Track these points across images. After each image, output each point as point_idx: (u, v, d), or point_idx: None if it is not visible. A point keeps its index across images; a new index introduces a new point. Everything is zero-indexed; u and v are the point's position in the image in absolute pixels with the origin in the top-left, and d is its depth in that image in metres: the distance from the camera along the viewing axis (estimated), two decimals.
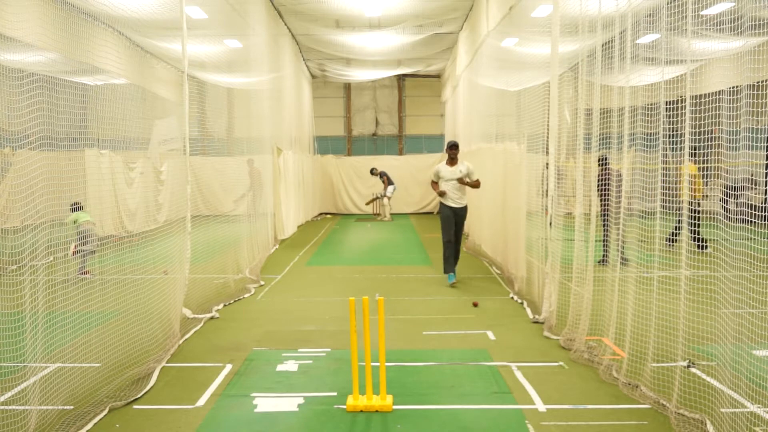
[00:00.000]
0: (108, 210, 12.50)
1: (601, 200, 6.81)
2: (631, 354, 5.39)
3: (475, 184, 9.80)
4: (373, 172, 22.13)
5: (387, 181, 21.48)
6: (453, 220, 9.77)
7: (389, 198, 21.57)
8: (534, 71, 8.81)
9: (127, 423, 4.70)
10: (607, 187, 6.29)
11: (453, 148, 9.83)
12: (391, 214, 22.09)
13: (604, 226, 8.55)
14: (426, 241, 15.62)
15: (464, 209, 9.83)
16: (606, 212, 6.51)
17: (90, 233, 9.68)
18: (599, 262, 8.47)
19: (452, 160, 9.69)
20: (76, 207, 9.85)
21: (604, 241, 9.39)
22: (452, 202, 9.74)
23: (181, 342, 6.72)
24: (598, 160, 6.14)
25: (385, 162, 23.31)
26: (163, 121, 12.40)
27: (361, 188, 23.86)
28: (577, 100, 7.01)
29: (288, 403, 5.10)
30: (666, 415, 4.67)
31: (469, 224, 15.39)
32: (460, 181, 9.61)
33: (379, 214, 22.31)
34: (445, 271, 9.92)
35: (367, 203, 23.07)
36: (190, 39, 7.97)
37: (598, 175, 6.92)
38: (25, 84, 4.72)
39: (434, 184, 9.90)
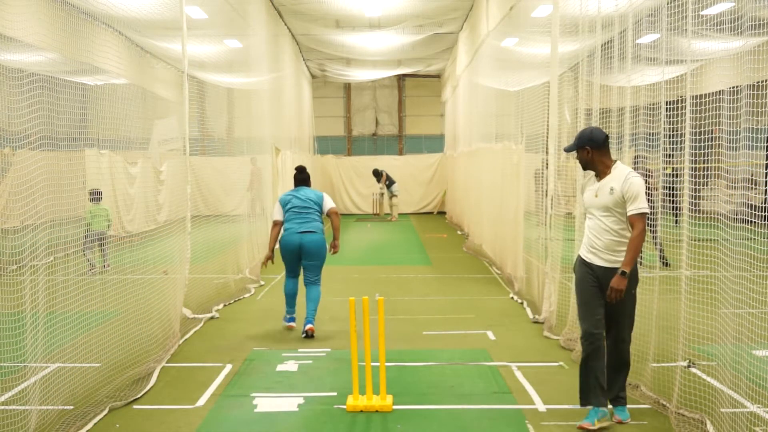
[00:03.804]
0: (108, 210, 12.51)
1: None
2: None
3: (637, 228, 4.37)
4: (375, 173, 21.97)
5: (386, 178, 21.45)
6: (597, 290, 4.54)
7: (396, 197, 21.50)
8: (534, 71, 8.81)
9: (127, 423, 4.70)
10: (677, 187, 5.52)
11: (598, 152, 4.48)
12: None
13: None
14: (426, 241, 15.61)
15: (614, 272, 4.41)
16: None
17: (100, 235, 9.62)
18: (665, 264, 7.80)
19: (599, 171, 4.56)
20: (95, 197, 9.68)
21: (657, 241, 7.77)
22: (590, 253, 4.58)
23: (181, 342, 6.72)
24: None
25: (385, 162, 23.30)
26: (163, 121, 12.38)
27: (361, 188, 23.86)
28: (577, 100, 7.02)
29: (288, 403, 5.10)
30: (666, 415, 4.67)
31: (469, 224, 15.39)
32: (637, 246, 4.38)
33: (378, 214, 22.30)
34: (583, 401, 4.61)
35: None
36: (190, 39, 7.98)
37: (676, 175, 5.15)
38: (25, 84, 4.71)
39: None
